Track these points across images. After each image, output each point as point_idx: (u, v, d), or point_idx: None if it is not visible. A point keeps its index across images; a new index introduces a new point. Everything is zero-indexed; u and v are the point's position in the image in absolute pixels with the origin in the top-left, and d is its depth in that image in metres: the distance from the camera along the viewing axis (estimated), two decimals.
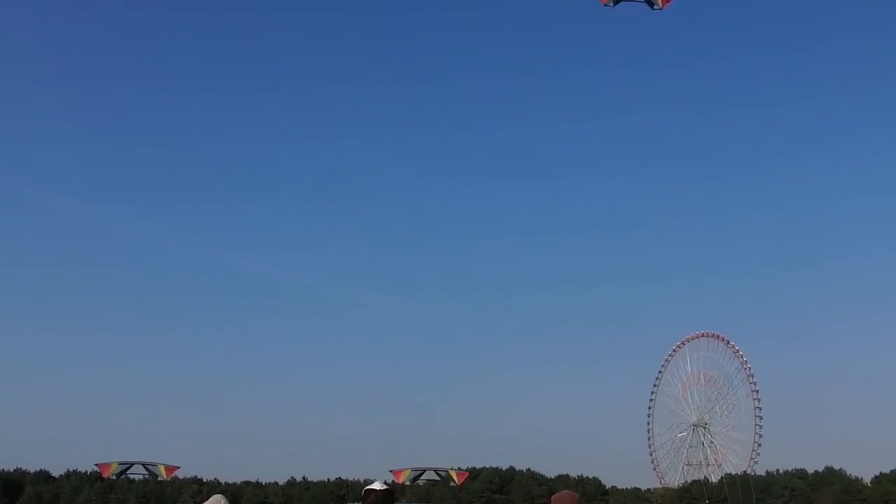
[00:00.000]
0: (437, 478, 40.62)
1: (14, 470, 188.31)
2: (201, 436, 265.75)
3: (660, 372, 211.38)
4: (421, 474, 40.76)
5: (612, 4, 39.85)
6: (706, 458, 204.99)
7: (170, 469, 44.33)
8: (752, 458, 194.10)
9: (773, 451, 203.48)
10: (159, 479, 43.84)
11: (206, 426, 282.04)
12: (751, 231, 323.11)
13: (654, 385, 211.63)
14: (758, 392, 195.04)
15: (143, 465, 44.32)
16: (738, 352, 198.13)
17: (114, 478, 42.43)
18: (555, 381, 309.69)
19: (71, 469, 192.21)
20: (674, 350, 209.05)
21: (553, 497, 10.76)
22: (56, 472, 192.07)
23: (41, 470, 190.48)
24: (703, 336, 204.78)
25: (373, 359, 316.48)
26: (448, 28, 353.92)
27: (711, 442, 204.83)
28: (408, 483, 39.50)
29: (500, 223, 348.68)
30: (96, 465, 45.53)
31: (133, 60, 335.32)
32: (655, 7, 40.18)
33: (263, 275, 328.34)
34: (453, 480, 40.85)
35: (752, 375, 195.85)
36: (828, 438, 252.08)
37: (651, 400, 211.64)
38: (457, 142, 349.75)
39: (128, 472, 45.05)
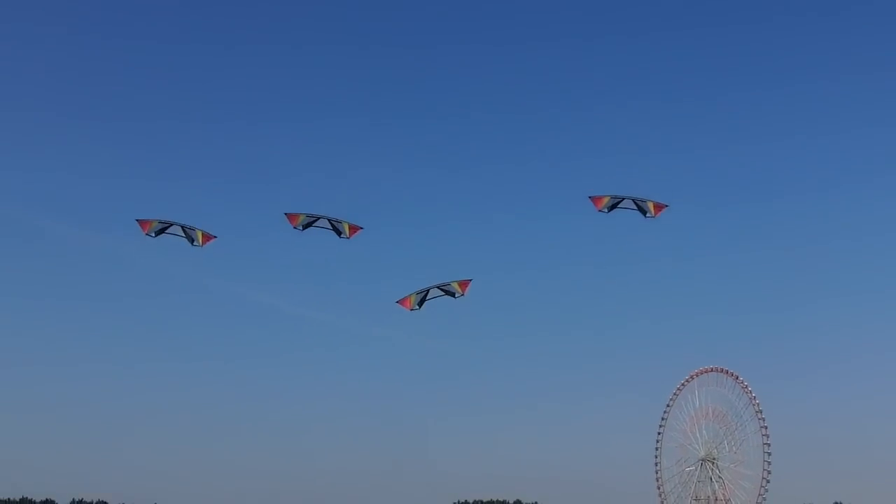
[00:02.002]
0: (441, 293, 40.71)
1: (20, 500, 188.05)
2: (207, 467, 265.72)
3: (668, 405, 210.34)
4: (426, 294, 40.97)
5: (606, 210, 41.42)
6: (714, 493, 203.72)
7: (206, 237, 43.84)
8: (760, 495, 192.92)
9: (781, 487, 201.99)
10: (195, 243, 43.21)
11: (213, 457, 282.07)
12: (761, 266, 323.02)
13: (663, 418, 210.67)
14: (767, 429, 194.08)
15: (183, 227, 43.93)
16: (746, 388, 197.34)
17: (605, 210, 41.65)
18: (562, 414, 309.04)
19: (76, 498, 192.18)
20: (682, 384, 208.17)
21: None
22: (62, 501, 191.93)
23: (47, 499, 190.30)
24: (712, 371, 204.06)
25: (379, 393, 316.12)
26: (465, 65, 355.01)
27: (720, 477, 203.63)
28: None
29: (507, 257, 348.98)
30: (137, 220, 44.99)
31: (145, 90, 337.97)
32: (648, 216, 41.49)
33: (268, 306, 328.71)
34: (458, 292, 40.86)
35: (762, 412, 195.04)
36: (836, 474, 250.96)
37: (659, 433, 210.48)
38: (462, 173, 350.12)
39: (167, 230, 44.65)
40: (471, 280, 41.93)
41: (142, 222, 44.94)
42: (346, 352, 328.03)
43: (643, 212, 41.68)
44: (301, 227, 44.59)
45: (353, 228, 44.47)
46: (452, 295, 41.45)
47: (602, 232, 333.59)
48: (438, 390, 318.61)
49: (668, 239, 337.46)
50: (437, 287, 41.70)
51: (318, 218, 44.65)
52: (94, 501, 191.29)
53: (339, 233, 44.95)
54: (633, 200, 41.87)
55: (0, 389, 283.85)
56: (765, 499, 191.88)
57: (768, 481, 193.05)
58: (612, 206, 41.88)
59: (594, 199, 41.68)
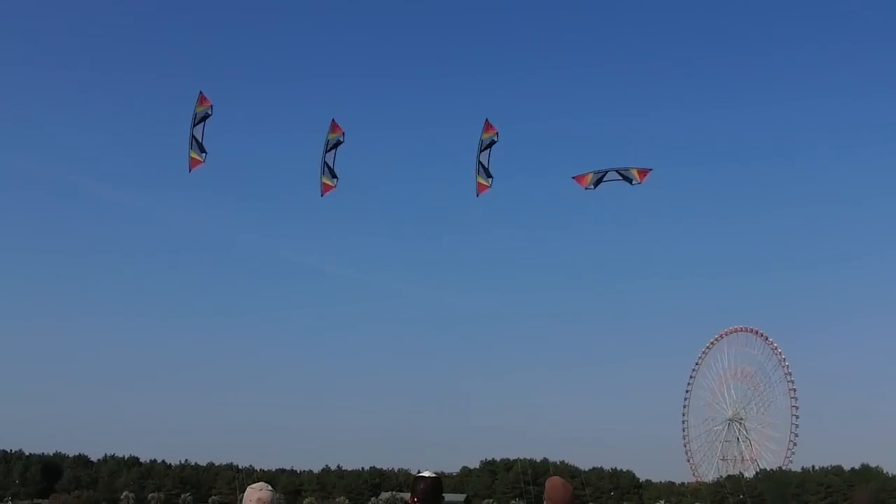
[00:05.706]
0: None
1: (53, 454, 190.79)
2: (236, 423, 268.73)
3: (696, 364, 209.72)
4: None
5: (593, 187, 41.32)
6: (741, 454, 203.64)
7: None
8: (787, 456, 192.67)
9: (809, 448, 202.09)
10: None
11: (241, 414, 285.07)
12: (790, 226, 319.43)
13: (691, 377, 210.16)
14: (795, 391, 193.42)
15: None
16: (776, 348, 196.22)
17: (592, 187, 42.28)
18: (590, 375, 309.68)
19: (109, 454, 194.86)
20: (711, 343, 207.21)
21: (548, 482, 10.50)
22: (94, 456, 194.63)
23: (80, 454, 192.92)
24: (740, 330, 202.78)
25: (408, 350, 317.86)
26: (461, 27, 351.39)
27: (747, 438, 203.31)
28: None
29: (535, 218, 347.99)
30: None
31: (173, 53, 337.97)
32: (634, 183, 41.35)
33: (299, 263, 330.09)
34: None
35: (790, 374, 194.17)
36: (864, 436, 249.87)
37: (687, 392, 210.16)
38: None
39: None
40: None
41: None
42: (375, 307, 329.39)
43: (629, 180, 41.57)
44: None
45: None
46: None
47: (632, 191, 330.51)
48: (468, 349, 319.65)
49: (695, 199, 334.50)
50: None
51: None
52: (126, 457, 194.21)
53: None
54: (616, 171, 41.78)
55: (33, 345, 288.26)
56: (791, 461, 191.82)
57: (795, 444, 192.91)
58: (598, 182, 41.73)
59: (578, 178, 41.72)
